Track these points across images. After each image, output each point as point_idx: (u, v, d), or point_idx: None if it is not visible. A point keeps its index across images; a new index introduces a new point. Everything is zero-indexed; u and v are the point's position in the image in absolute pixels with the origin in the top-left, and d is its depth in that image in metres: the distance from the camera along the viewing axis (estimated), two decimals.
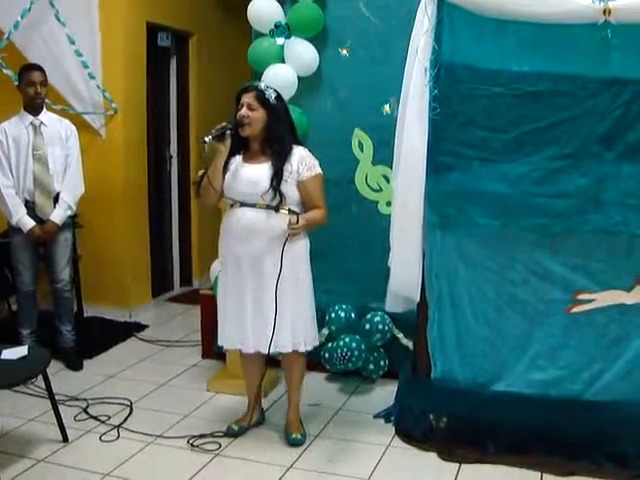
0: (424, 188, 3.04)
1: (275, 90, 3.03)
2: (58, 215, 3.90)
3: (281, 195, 2.92)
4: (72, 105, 4.61)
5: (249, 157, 3.04)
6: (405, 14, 3.17)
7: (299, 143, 3.07)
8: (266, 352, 3.00)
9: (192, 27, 5.61)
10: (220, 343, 3.17)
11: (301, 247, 3.03)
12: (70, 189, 3.96)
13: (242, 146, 3.05)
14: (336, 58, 3.78)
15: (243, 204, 2.97)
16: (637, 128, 2.83)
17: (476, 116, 2.96)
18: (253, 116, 2.95)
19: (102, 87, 4.65)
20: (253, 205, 2.95)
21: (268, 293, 2.95)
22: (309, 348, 3.10)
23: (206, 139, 2.89)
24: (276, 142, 2.97)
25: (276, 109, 2.98)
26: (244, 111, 2.95)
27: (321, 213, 3.01)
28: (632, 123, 2.82)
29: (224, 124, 2.94)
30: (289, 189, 2.95)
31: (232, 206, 3.02)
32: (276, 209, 2.93)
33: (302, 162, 2.98)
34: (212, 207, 3.23)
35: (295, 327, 3.01)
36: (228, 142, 2.95)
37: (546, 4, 2.74)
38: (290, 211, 2.96)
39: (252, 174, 2.96)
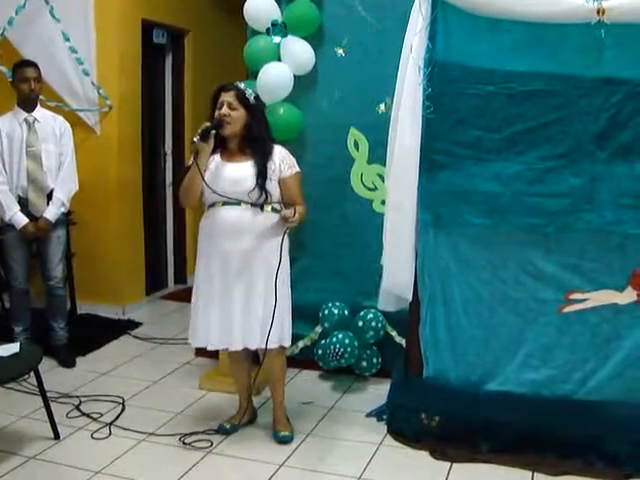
0: (417, 187, 3.04)
1: (253, 91, 3.05)
2: (51, 212, 3.89)
3: (266, 193, 2.94)
4: (66, 102, 4.59)
5: (228, 156, 3.03)
6: (401, 14, 3.16)
7: (275, 143, 3.08)
8: (253, 348, 3.03)
9: (188, 24, 5.60)
10: (195, 344, 3.13)
11: (285, 245, 3.03)
12: (64, 186, 3.95)
13: (219, 145, 3.03)
14: (332, 57, 3.76)
15: (226, 203, 2.96)
16: (631, 127, 2.82)
17: (469, 115, 2.96)
18: (234, 115, 2.95)
19: (97, 84, 4.65)
20: (237, 204, 2.95)
21: (257, 290, 2.96)
22: (290, 344, 3.13)
23: (195, 139, 2.90)
24: (256, 141, 2.98)
25: (255, 109, 3.00)
26: (225, 110, 2.95)
27: (303, 209, 3.03)
28: (626, 122, 2.82)
29: (207, 124, 2.93)
30: (272, 187, 2.97)
31: (213, 205, 3.00)
32: (261, 207, 2.94)
33: (283, 160, 3.01)
34: (191, 206, 3.18)
35: (282, 322, 3.03)
36: (211, 141, 2.95)
37: (540, 3, 2.73)
38: (273, 209, 2.98)
39: (235, 173, 2.96)
